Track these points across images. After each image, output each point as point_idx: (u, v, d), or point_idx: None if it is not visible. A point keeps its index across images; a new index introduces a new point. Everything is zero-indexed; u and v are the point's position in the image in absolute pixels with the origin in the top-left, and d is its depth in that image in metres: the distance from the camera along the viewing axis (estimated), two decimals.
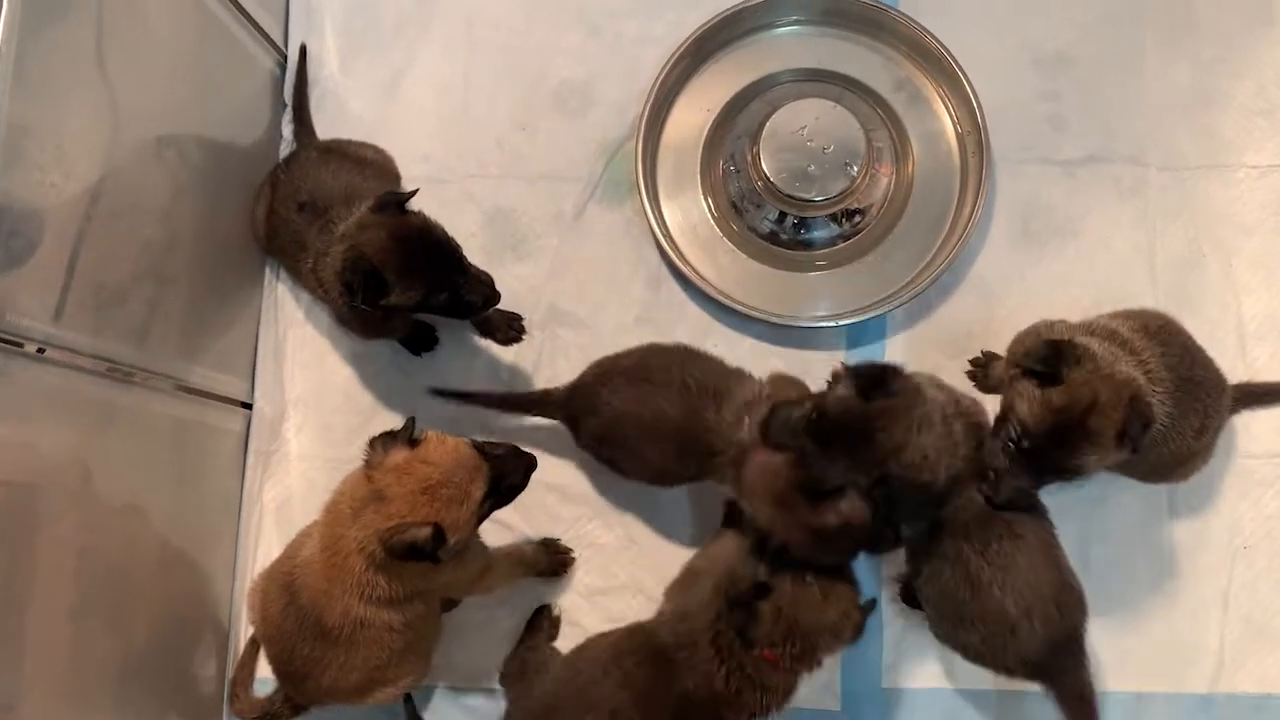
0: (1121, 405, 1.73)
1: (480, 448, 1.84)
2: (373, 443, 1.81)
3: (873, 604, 1.95)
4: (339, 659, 1.95)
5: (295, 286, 2.46)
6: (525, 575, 2.24)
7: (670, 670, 1.89)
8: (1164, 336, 1.95)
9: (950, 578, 1.88)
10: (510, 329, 2.35)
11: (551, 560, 2.29)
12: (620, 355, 2.11)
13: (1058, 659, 1.88)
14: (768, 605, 1.83)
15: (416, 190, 2.00)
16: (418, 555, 1.74)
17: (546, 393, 2.20)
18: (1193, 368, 1.95)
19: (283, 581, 1.96)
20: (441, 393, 2.25)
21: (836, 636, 1.87)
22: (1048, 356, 1.76)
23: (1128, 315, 2.02)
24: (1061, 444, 1.75)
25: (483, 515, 1.84)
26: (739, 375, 2.04)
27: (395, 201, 1.94)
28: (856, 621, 1.88)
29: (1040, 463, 1.79)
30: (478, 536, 2.00)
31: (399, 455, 1.78)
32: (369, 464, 1.79)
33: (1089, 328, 1.96)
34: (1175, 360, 1.92)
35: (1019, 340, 2.08)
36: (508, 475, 1.86)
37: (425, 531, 1.72)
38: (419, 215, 1.95)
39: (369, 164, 2.32)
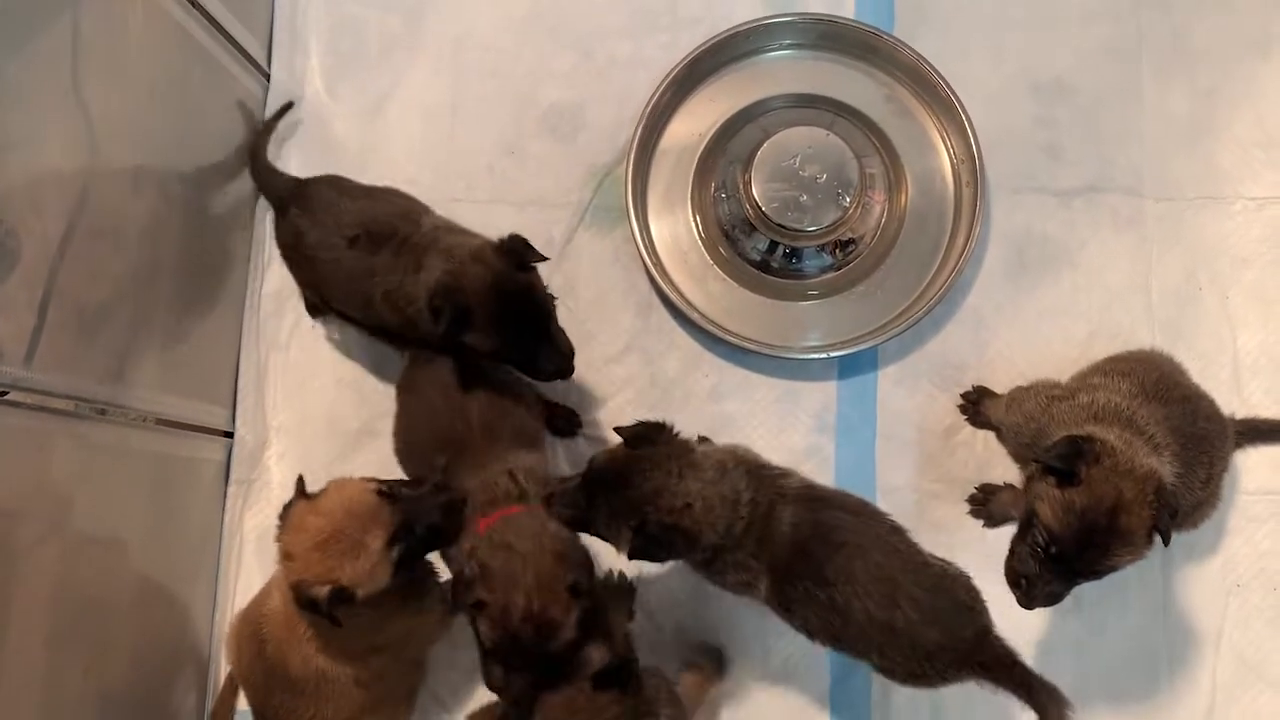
0: (1147, 501, 1.70)
1: (389, 492, 1.75)
2: (281, 512, 1.77)
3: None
4: (309, 710, 1.92)
5: (278, 311, 2.42)
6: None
7: None
8: (1163, 394, 1.91)
9: (819, 620, 1.82)
10: (569, 424, 2.32)
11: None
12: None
13: (955, 633, 1.79)
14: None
15: (546, 259, 1.95)
16: (316, 612, 1.69)
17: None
18: (1195, 422, 1.93)
19: (253, 630, 1.93)
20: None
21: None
22: (1066, 454, 1.72)
23: (1123, 371, 1.98)
24: (1091, 546, 1.72)
25: (400, 563, 1.75)
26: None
27: (521, 252, 1.89)
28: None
29: (1072, 567, 1.75)
30: (435, 581, 1.95)
31: (299, 510, 1.74)
32: (281, 521, 1.76)
33: (1091, 407, 1.90)
34: (1178, 421, 1.89)
35: (1016, 401, 2.06)
36: (420, 518, 1.76)
37: (321, 591, 1.67)
38: (530, 275, 1.91)
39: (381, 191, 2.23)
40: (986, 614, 1.82)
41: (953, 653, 1.79)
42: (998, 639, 1.81)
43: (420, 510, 1.76)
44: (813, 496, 1.85)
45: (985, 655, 1.79)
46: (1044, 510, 1.74)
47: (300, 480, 1.80)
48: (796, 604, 1.82)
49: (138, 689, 2.09)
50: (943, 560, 1.86)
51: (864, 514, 1.86)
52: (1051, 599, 1.80)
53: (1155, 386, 1.93)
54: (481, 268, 1.87)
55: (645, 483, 1.70)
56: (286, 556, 1.73)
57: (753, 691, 2.23)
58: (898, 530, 1.86)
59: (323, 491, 1.76)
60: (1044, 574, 1.77)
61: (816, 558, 1.78)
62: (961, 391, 2.30)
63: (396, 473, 2.05)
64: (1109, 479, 1.69)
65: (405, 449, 2.10)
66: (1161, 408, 1.89)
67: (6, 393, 1.68)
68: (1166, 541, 1.71)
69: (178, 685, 2.23)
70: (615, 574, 2.17)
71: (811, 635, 1.87)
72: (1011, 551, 1.81)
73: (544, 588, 1.73)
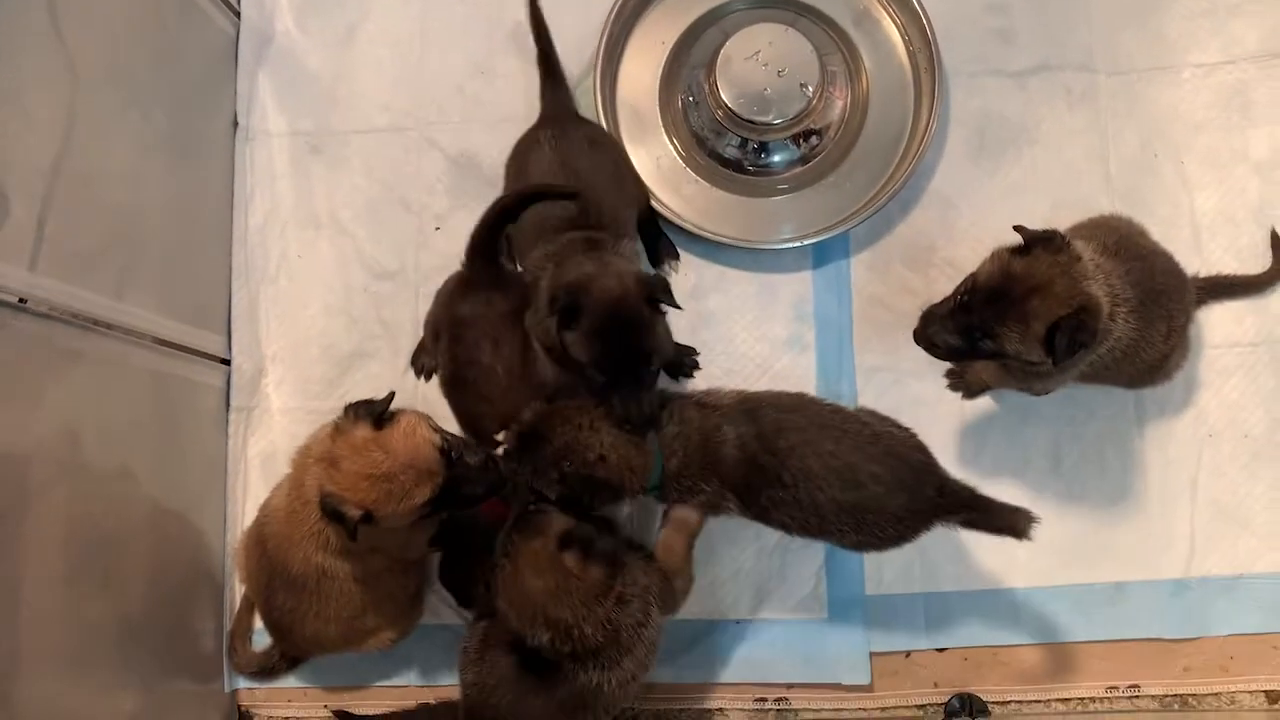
0: (1067, 305, 1.77)
1: (448, 450, 1.81)
2: (348, 409, 1.82)
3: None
4: (313, 609, 1.99)
5: (264, 243, 2.49)
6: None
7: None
8: (1122, 253, 1.97)
9: (795, 520, 1.89)
10: (684, 365, 2.36)
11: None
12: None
13: (919, 492, 1.87)
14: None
15: (679, 308, 1.93)
16: (340, 523, 1.77)
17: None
18: (1153, 278, 1.99)
19: (256, 534, 2.01)
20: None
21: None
22: (1036, 234, 1.81)
23: (1084, 236, 2.04)
24: (995, 304, 1.80)
25: (425, 515, 1.83)
26: None
27: (656, 288, 1.86)
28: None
29: (970, 320, 1.83)
30: None
31: (363, 432, 1.79)
32: (337, 428, 1.81)
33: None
34: (1137, 276, 1.95)
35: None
36: (464, 487, 1.83)
37: (355, 513, 1.75)
38: (654, 314, 1.87)
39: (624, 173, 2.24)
40: (938, 465, 1.91)
41: (921, 510, 1.87)
42: (955, 483, 1.90)
43: (469, 480, 1.84)
44: (747, 408, 1.91)
45: (949, 501, 1.88)
46: (985, 265, 1.84)
47: (389, 399, 1.84)
48: (769, 511, 1.90)
49: (156, 616, 2.16)
50: (887, 422, 1.93)
51: (801, 407, 1.93)
52: (940, 345, 1.89)
53: (1116, 247, 1.99)
54: (615, 283, 1.84)
55: (558, 438, 1.81)
56: (332, 463, 1.77)
57: (752, 573, 2.30)
58: (837, 410, 1.93)
59: (393, 424, 1.80)
60: (949, 318, 1.86)
61: (771, 468, 1.85)
62: (945, 373, 2.34)
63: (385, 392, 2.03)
64: (1053, 267, 1.77)
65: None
66: (1122, 265, 1.95)
67: (25, 300, 1.76)
68: (1052, 351, 1.77)
69: (196, 609, 2.30)
70: None
71: (791, 533, 1.95)
72: (943, 300, 1.90)
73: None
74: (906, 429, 1.94)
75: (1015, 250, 1.82)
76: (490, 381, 2.02)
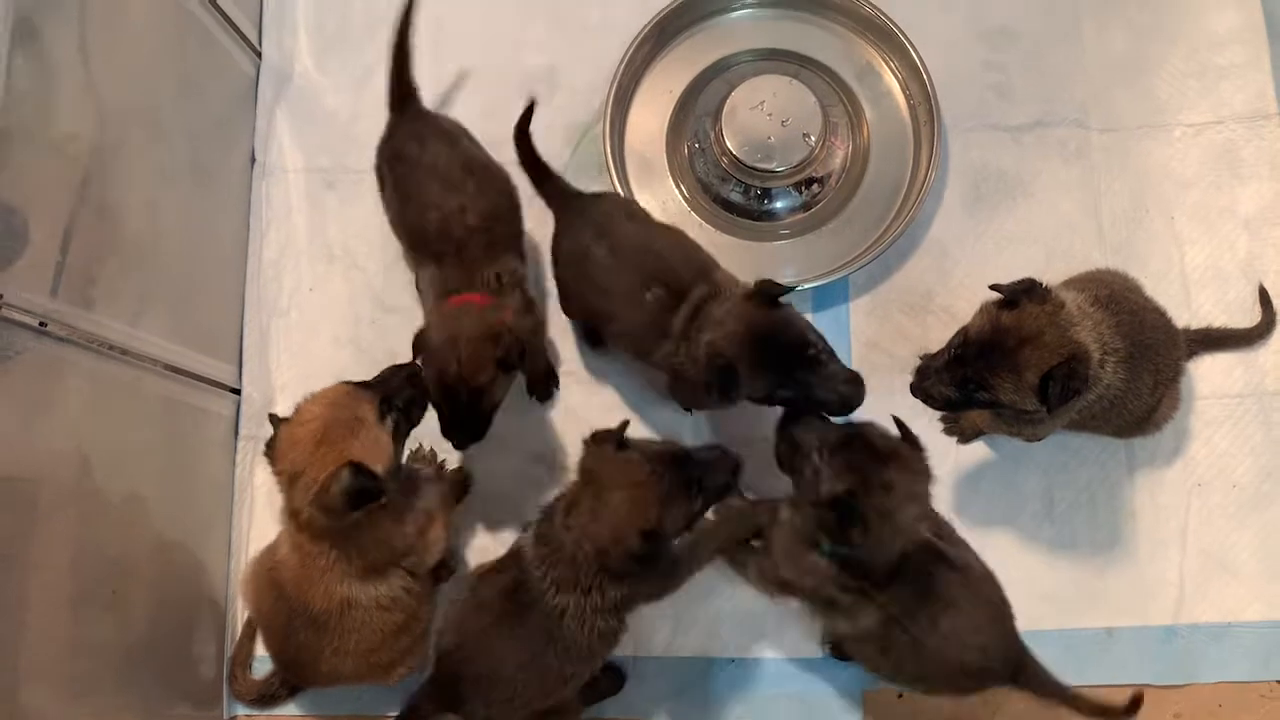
0: (1057, 354, 1.82)
1: (354, 383, 1.89)
2: (265, 451, 1.87)
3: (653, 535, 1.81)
4: (332, 644, 2.00)
5: (277, 277, 2.54)
6: (453, 510, 2.26)
7: (508, 561, 1.95)
8: (1113, 306, 2.02)
9: (892, 654, 1.91)
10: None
11: (456, 485, 2.32)
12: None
13: (1011, 665, 1.92)
14: (609, 449, 1.83)
15: (795, 286, 1.97)
16: (362, 497, 1.77)
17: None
18: (1143, 331, 2.03)
19: (269, 579, 2.02)
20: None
21: (601, 523, 1.79)
22: (1019, 286, 1.86)
23: (1080, 285, 2.09)
24: (988, 357, 1.85)
25: (397, 436, 1.87)
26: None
27: (769, 294, 1.90)
28: (626, 535, 1.77)
29: (965, 372, 1.88)
30: (428, 476, 2.08)
31: (283, 433, 1.83)
32: (272, 461, 1.85)
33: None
34: (1126, 329, 2.00)
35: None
36: (396, 391, 1.90)
37: (343, 474, 1.76)
38: (784, 310, 1.91)
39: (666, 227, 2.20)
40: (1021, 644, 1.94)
41: (988, 677, 1.92)
42: (1034, 662, 1.93)
43: (392, 385, 1.91)
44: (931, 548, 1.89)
45: (1029, 679, 1.93)
46: (976, 319, 1.89)
47: (272, 416, 1.90)
48: (875, 631, 1.90)
49: (159, 641, 2.18)
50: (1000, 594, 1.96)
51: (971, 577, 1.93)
52: (936, 397, 1.94)
53: (1107, 299, 2.03)
54: (734, 322, 1.89)
55: None
56: (292, 478, 1.80)
57: (748, 611, 2.33)
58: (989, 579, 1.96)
59: (295, 410, 1.86)
60: (944, 371, 1.91)
61: (918, 600, 1.85)
62: (940, 417, 2.39)
63: None
64: (1040, 318, 1.82)
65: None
66: (1111, 316, 1.99)
67: (46, 324, 1.81)
68: (1050, 406, 1.82)
69: (197, 634, 2.31)
70: None
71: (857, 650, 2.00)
72: (936, 353, 1.95)
73: (472, 359, 1.91)
74: (1009, 608, 1.95)
75: (1002, 304, 1.88)
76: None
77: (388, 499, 1.84)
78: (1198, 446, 2.37)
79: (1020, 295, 1.85)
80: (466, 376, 1.93)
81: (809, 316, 2.43)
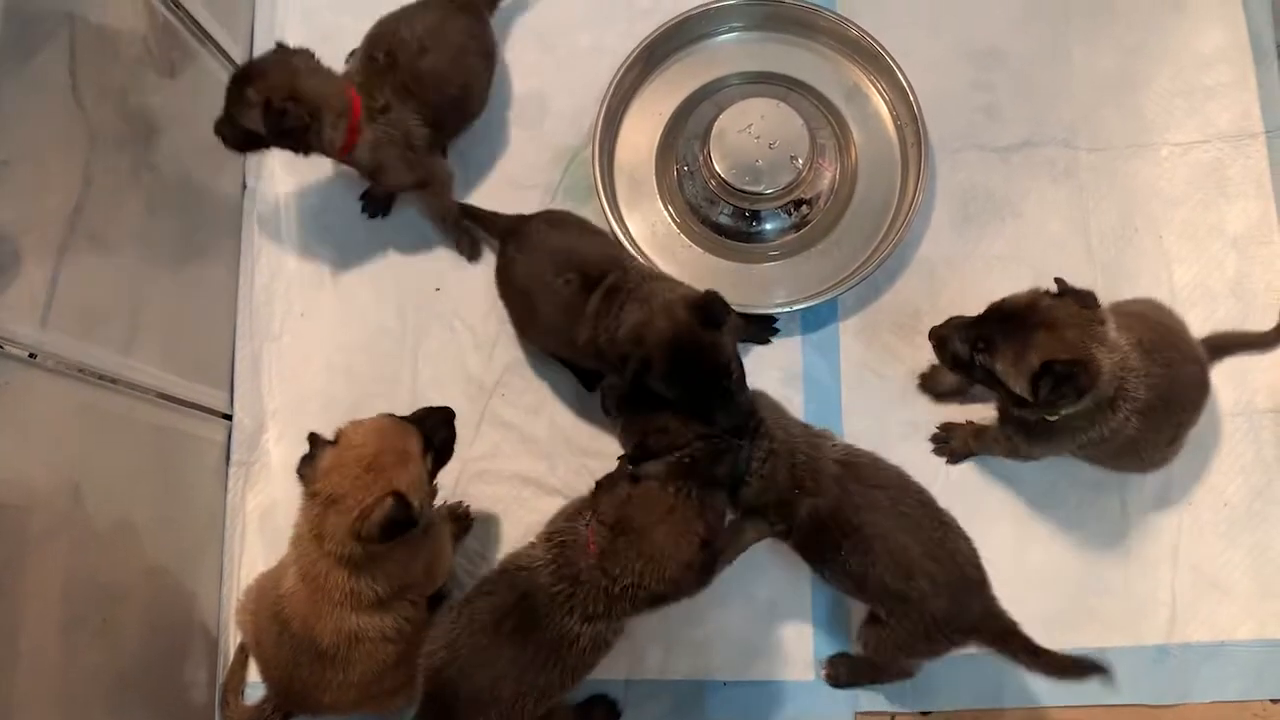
0: (1067, 352, 1.82)
1: (394, 416, 1.91)
2: (299, 471, 1.87)
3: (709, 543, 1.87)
4: (336, 678, 2.00)
5: (269, 302, 2.54)
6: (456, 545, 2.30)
7: (515, 580, 1.94)
8: (1154, 355, 1.99)
9: (839, 580, 2.02)
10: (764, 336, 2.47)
11: (459, 525, 2.34)
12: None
13: (962, 602, 1.95)
14: (624, 489, 1.87)
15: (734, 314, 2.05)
16: (397, 529, 1.79)
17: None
18: (1172, 388, 2.01)
19: (272, 612, 2.02)
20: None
21: (658, 561, 1.81)
22: (1076, 289, 1.89)
23: (1130, 323, 2.04)
24: (1004, 325, 1.88)
25: (430, 473, 1.91)
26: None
27: (710, 309, 1.95)
28: (688, 557, 1.82)
29: (981, 332, 1.91)
30: (434, 510, 2.05)
31: (328, 456, 1.83)
32: (305, 480, 1.85)
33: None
34: (1156, 381, 1.97)
35: None
36: (434, 431, 1.94)
37: (388, 502, 1.78)
38: (715, 335, 1.95)
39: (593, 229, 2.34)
40: (990, 589, 1.98)
41: (957, 624, 1.95)
42: (1000, 612, 1.97)
43: (433, 424, 1.94)
44: (841, 474, 2.00)
45: (990, 627, 1.96)
46: (1016, 294, 1.93)
47: (313, 435, 1.88)
48: (818, 562, 2.04)
49: (151, 666, 2.18)
50: (958, 531, 2.01)
51: (890, 486, 2.01)
52: (947, 348, 1.99)
53: (1151, 346, 2.00)
54: (666, 322, 1.94)
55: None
56: (330, 501, 1.80)
57: (740, 633, 2.33)
58: (924, 501, 2.02)
59: (340, 434, 1.86)
60: (964, 328, 1.94)
61: (834, 534, 1.96)
62: (930, 437, 2.41)
63: None
64: (1076, 316, 1.85)
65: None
66: (1147, 365, 1.97)
67: (35, 355, 1.82)
68: (1038, 400, 1.84)
69: (189, 661, 2.31)
70: None
71: (828, 582, 2.06)
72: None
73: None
74: (970, 543, 2.01)
75: (1051, 293, 1.90)
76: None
77: (414, 533, 1.85)
78: (1189, 465, 2.36)
79: (1070, 291, 1.87)
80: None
81: (799, 337, 2.47)
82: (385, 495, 1.78)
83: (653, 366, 1.92)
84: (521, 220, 2.31)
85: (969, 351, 1.94)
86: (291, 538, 1.95)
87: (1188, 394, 2.08)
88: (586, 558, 1.86)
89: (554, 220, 2.29)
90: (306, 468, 1.86)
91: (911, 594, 1.93)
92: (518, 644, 1.88)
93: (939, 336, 2.01)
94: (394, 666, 2.04)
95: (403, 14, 2.36)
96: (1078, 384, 1.83)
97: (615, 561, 1.83)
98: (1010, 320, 1.89)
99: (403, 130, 2.27)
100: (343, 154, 2.25)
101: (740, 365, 1.99)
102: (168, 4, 2.30)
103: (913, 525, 1.97)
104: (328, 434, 2.41)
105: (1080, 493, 2.37)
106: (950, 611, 1.94)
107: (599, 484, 1.92)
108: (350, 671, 1.99)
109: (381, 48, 2.30)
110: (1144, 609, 2.32)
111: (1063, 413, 1.92)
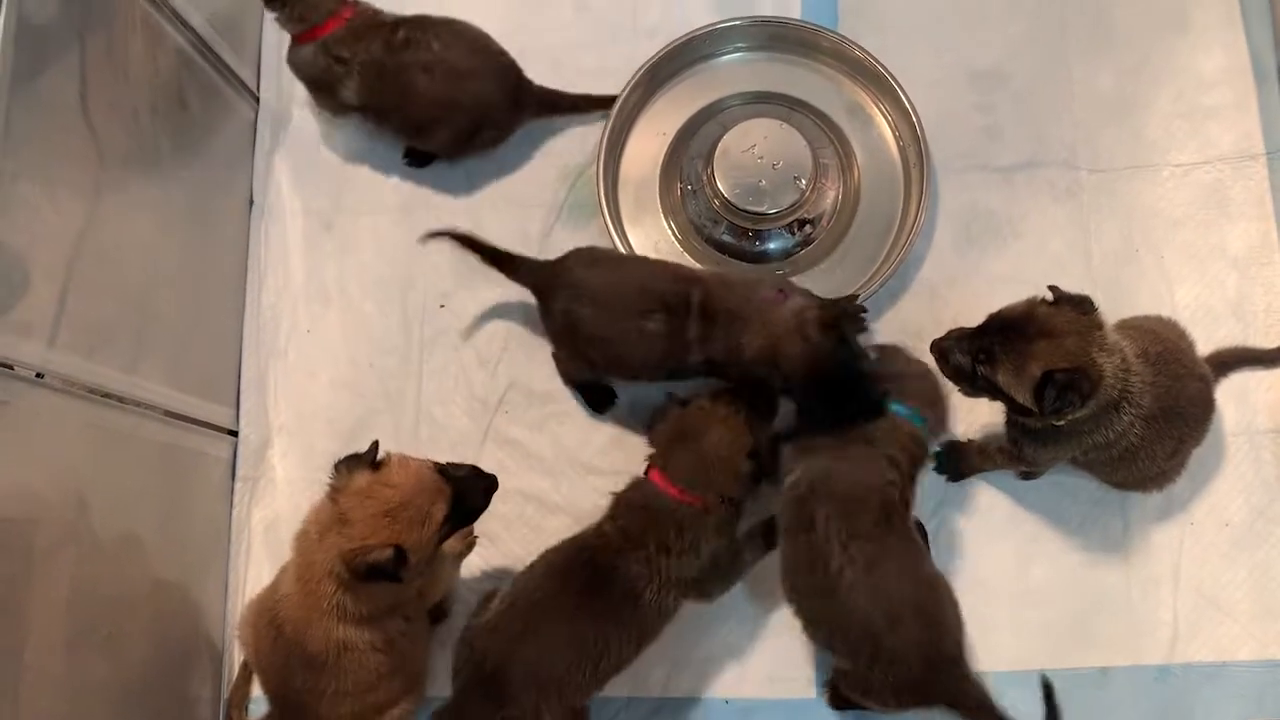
0: (1068, 360, 1.83)
1: (442, 470, 1.91)
2: (338, 466, 1.88)
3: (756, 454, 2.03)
4: (330, 686, 2.00)
5: (275, 319, 2.57)
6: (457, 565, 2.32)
7: (581, 544, 2.04)
8: (1159, 365, 2.01)
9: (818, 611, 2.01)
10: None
11: (463, 542, 2.34)
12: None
13: (941, 679, 1.93)
14: (674, 410, 2.07)
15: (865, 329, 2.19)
16: (380, 575, 1.81)
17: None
18: (1178, 400, 2.03)
19: (268, 617, 2.03)
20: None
21: (716, 460, 1.99)
22: (1071, 295, 1.90)
23: (1136, 333, 2.08)
24: (1004, 336, 1.89)
25: (444, 536, 1.90)
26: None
27: (842, 327, 2.01)
28: (739, 459, 2.00)
29: (981, 343, 1.93)
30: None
31: (362, 479, 1.85)
32: (334, 488, 1.86)
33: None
34: (1161, 392, 1.99)
35: None
36: (468, 497, 1.92)
37: (387, 553, 1.79)
38: (849, 350, 2.03)
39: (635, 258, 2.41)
40: (966, 666, 1.97)
41: (926, 687, 1.94)
42: (974, 683, 1.95)
43: (469, 490, 1.92)
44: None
45: (961, 697, 1.94)
46: (1016, 306, 1.95)
47: (375, 446, 1.90)
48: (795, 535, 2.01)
49: (155, 681, 2.19)
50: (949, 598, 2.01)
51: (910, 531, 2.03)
52: (950, 361, 2.00)
53: (1155, 357, 2.02)
54: (799, 345, 1.98)
55: None
56: (343, 522, 1.82)
57: (742, 651, 2.34)
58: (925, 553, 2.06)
59: (386, 465, 1.87)
60: (964, 339, 1.96)
61: (860, 524, 1.95)
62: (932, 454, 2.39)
63: None
64: (1073, 323, 1.86)
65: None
66: (1152, 373, 1.98)
67: (42, 375, 1.84)
68: (1041, 409, 1.85)
69: (194, 676, 2.32)
70: None
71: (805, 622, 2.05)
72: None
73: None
74: (959, 617, 2.01)
75: (1047, 301, 1.92)
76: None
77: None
78: (1190, 485, 2.37)
79: (1066, 298, 1.89)
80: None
81: None
82: (388, 545, 1.80)
83: (794, 387, 2.01)
84: (555, 271, 2.24)
85: (970, 363, 1.95)
86: (297, 533, 1.96)
87: (1191, 408, 2.09)
88: (654, 492, 2.00)
89: (594, 260, 2.24)
90: (342, 473, 1.86)
91: (887, 642, 1.90)
92: (583, 602, 1.95)
93: (940, 349, 2.02)
94: (387, 676, 2.05)
95: (450, 33, 2.45)
96: (1080, 391, 1.84)
97: (674, 469, 2.00)
98: (1009, 330, 1.90)
99: (331, 78, 2.43)
100: (295, 39, 2.44)
101: (870, 362, 2.08)
102: (176, 25, 2.32)
103: (915, 575, 1.98)
104: (333, 448, 2.47)
105: (1083, 512, 2.37)
106: (922, 679, 1.92)
107: (654, 416, 2.10)
108: (341, 680, 1.99)
109: (408, 33, 2.41)
110: (1146, 629, 2.32)
111: (1068, 419, 1.93)
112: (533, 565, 2.08)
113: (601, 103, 2.57)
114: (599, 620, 1.96)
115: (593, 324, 2.17)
